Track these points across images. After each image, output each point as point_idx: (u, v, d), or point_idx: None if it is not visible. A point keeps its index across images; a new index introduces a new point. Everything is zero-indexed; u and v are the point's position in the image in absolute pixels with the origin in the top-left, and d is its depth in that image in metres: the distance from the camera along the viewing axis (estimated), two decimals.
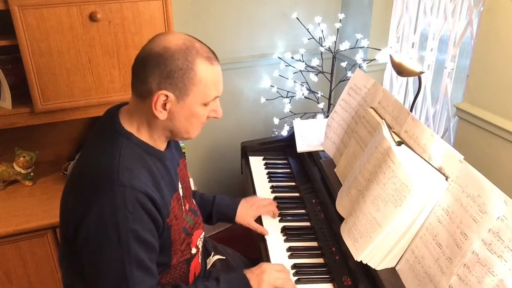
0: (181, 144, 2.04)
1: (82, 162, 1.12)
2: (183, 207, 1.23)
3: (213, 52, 1.09)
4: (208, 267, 1.43)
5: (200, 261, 1.33)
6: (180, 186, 1.23)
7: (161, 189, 1.09)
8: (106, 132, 1.11)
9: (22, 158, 1.89)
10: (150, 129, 1.11)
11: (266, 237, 1.47)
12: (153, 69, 1.03)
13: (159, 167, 1.12)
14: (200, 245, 1.32)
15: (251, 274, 1.22)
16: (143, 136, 1.11)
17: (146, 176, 1.06)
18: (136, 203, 1.01)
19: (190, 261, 1.25)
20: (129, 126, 1.10)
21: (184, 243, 1.22)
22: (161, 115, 1.05)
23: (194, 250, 1.27)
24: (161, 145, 1.15)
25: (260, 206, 1.53)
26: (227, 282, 1.19)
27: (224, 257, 1.50)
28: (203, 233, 1.34)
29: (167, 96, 1.03)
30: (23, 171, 1.91)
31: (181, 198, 1.23)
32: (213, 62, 1.06)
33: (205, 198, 1.52)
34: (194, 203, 1.37)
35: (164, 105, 1.05)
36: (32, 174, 1.95)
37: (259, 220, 1.53)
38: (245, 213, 1.48)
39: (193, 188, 1.63)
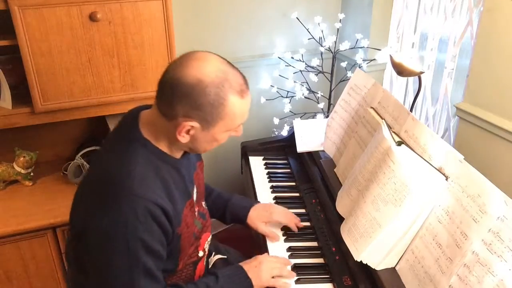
0: None
1: (99, 166, 1.12)
2: (196, 213, 1.24)
3: (245, 80, 1.07)
4: (209, 267, 1.43)
5: (204, 263, 1.33)
6: (194, 190, 1.24)
7: (175, 199, 1.09)
8: (124, 136, 1.11)
9: (22, 158, 1.89)
10: (170, 143, 1.11)
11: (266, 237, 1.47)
12: (182, 98, 1.01)
13: (173, 175, 1.12)
14: (207, 248, 1.32)
15: (249, 266, 1.24)
16: (161, 145, 1.10)
17: (160, 187, 1.06)
18: (148, 214, 1.01)
19: (196, 264, 1.26)
20: (148, 133, 1.09)
21: (192, 247, 1.22)
22: (183, 139, 1.06)
23: (201, 253, 1.28)
24: (177, 153, 1.15)
25: (275, 212, 1.46)
26: (226, 277, 1.20)
27: (225, 257, 1.50)
28: (210, 236, 1.34)
29: (192, 125, 1.03)
30: (23, 171, 1.91)
31: (194, 203, 1.23)
32: (244, 95, 1.05)
33: (222, 196, 1.49)
34: (204, 205, 1.35)
35: (188, 131, 1.05)
36: (32, 174, 1.95)
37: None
38: (255, 216, 1.44)
39: None
